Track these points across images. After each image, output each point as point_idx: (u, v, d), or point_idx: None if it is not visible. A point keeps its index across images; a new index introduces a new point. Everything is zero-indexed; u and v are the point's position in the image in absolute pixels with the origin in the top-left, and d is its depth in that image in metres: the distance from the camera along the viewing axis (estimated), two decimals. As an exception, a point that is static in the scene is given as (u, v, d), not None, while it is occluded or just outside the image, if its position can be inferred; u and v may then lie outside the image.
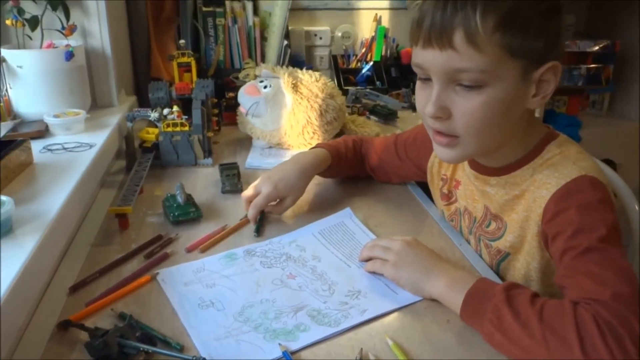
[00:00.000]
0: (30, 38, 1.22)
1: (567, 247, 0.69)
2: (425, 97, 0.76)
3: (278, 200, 1.00)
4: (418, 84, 0.79)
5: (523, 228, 0.80)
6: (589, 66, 2.09)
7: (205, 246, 0.90)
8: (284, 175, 1.00)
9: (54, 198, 0.84)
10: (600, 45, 2.09)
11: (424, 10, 0.73)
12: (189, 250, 0.89)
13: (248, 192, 0.99)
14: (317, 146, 1.12)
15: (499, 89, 0.72)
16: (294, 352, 0.66)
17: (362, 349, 0.66)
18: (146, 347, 0.63)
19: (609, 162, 1.94)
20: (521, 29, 0.69)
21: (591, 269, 0.66)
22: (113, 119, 1.28)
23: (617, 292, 0.62)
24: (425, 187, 1.09)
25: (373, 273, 0.82)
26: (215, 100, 1.47)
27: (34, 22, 1.19)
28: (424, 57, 0.75)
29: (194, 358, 0.62)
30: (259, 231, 0.96)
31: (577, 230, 0.69)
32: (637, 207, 1.08)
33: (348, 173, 1.16)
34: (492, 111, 0.73)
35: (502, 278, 0.85)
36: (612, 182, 1.09)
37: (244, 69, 1.55)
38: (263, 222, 0.99)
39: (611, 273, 0.64)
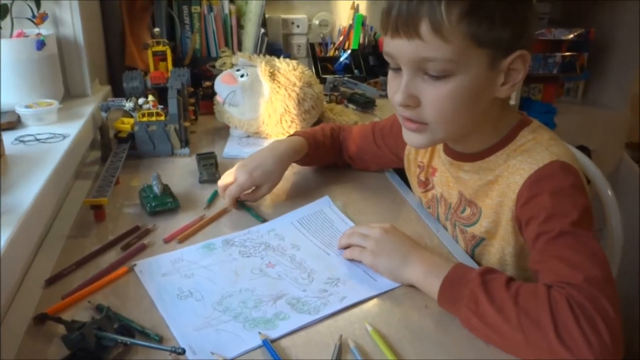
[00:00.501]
0: (0, 27, 1.19)
1: (541, 231, 0.71)
2: (396, 86, 0.77)
3: (254, 188, 1.00)
4: (390, 73, 0.80)
5: (497, 213, 0.81)
6: (563, 54, 2.11)
7: (183, 237, 0.89)
8: (260, 163, 1.00)
9: (27, 190, 0.83)
10: (575, 33, 2.11)
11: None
12: (167, 240, 0.88)
13: (224, 180, 0.99)
14: (294, 134, 1.12)
15: (466, 78, 0.72)
16: (273, 341, 0.66)
17: (341, 335, 0.66)
18: (124, 338, 0.63)
19: (583, 149, 1.97)
20: (486, 18, 0.70)
21: (564, 253, 0.67)
22: (87, 109, 1.26)
23: (589, 275, 0.63)
24: (402, 174, 1.10)
25: (352, 260, 0.83)
26: (192, 90, 1.45)
27: (3, 11, 1.15)
28: (392, 47, 0.76)
29: (173, 349, 0.62)
30: (259, 217, 0.97)
31: (550, 215, 0.71)
32: (610, 193, 1.10)
33: (326, 161, 1.16)
34: (460, 100, 0.74)
35: (477, 263, 0.86)
36: (586, 168, 1.11)
37: (221, 57, 1.54)
38: (253, 207, 1.00)
39: (583, 257, 0.66)
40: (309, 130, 1.14)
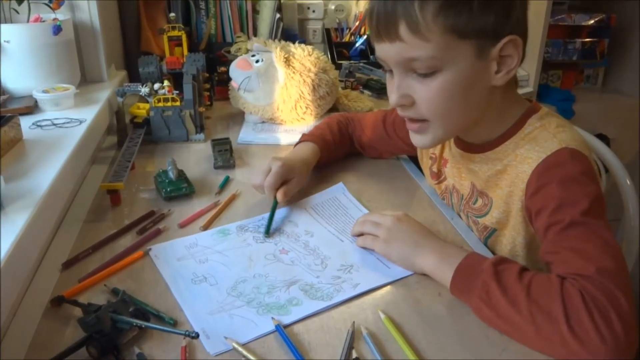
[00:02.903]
0: (17, 12, 1.20)
1: (551, 222, 0.69)
2: (391, 87, 0.78)
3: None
4: (387, 75, 0.80)
5: (508, 203, 0.80)
6: (583, 40, 2.07)
7: (207, 223, 0.89)
8: (289, 157, 1.00)
9: (45, 174, 0.84)
10: (596, 19, 2.07)
11: (372, 4, 0.74)
12: (182, 225, 0.89)
13: (257, 179, 0.95)
14: (303, 139, 1.09)
15: (454, 71, 0.72)
16: (286, 326, 0.67)
17: (354, 322, 0.66)
18: (139, 322, 0.64)
19: (602, 137, 1.94)
20: (464, 9, 0.68)
21: (575, 244, 0.66)
22: (103, 94, 1.27)
23: (601, 266, 0.62)
24: (417, 161, 1.09)
25: (365, 248, 0.83)
26: (207, 75, 1.46)
27: (20, -4, 1.16)
28: (379, 51, 0.76)
29: (187, 332, 0.62)
30: (269, 232, 0.87)
31: (560, 204, 0.69)
32: (628, 182, 1.09)
33: (338, 157, 1.14)
34: (451, 94, 0.73)
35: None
36: (605, 157, 1.10)
37: (236, 42, 1.53)
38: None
39: (595, 247, 0.65)
40: (316, 133, 1.10)
